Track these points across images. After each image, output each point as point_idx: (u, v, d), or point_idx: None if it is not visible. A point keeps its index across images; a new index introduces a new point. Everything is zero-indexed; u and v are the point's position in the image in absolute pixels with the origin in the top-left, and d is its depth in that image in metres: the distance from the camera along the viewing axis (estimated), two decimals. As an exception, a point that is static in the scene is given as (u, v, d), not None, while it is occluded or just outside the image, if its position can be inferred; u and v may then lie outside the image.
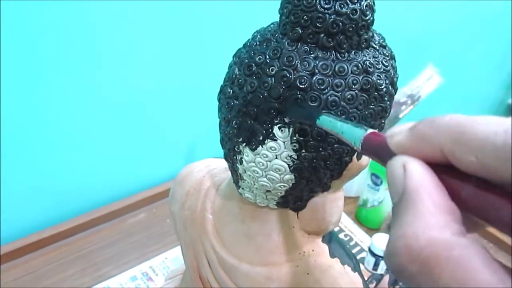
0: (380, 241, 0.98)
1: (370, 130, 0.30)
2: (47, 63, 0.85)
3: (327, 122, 0.37)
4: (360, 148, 0.31)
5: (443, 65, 1.23)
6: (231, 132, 0.44)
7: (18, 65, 0.82)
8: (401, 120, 1.19)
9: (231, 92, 0.43)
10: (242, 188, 0.48)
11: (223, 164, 0.59)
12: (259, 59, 0.41)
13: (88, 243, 0.98)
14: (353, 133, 0.32)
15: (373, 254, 0.96)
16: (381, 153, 0.28)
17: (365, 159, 0.46)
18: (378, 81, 0.41)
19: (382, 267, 0.94)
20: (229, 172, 0.55)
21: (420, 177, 0.23)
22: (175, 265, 0.93)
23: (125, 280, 0.90)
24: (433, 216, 0.21)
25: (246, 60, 0.42)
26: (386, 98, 0.42)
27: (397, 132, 0.26)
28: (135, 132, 1.05)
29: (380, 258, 0.95)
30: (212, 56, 1.03)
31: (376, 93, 0.41)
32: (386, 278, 0.64)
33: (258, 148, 0.42)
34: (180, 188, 0.60)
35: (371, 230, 1.12)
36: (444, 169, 0.23)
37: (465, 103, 2.00)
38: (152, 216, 1.06)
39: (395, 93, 0.45)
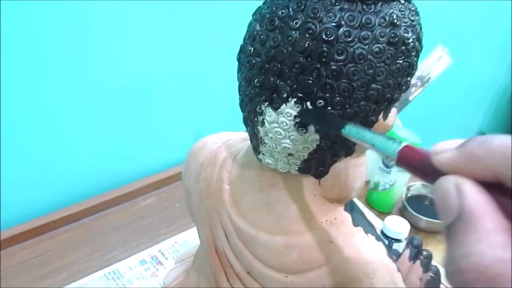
0: (392, 224, 0.96)
1: (404, 143, 0.30)
2: (48, 47, 0.83)
3: (354, 132, 0.36)
4: (396, 160, 0.30)
5: (452, 47, 1.21)
6: (252, 91, 0.42)
7: (18, 51, 0.80)
8: (412, 102, 1.17)
9: (252, 50, 0.41)
10: (263, 154, 0.46)
11: (238, 135, 0.58)
12: (282, 12, 0.39)
13: (97, 226, 0.96)
14: (386, 145, 0.32)
15: (386, 236, 0.95)
16: (422, 168, 0.28)
17: (391, 119, 0.44)
18: (405, 34, 0.39)
19: (397, 249, 0.92)
20: (246, 143, 0.53)
21: (476, 198, 0.24)
22: (185, 248, 0.91)
23: (134, 263, 0.88)
24: (495, 235, 0.22)
25: (268, 15, 0.40)
26: (413, 54, 0.41)
27: (443, 150, 0.26)
28: (144, 116, 1.04)
29: (394, 241, 0.94)
30: (220, 36, 1.02)
31: (403, 47, 0.39)
32: (406, 253, 0.63)
33: (281, 107, 0.40)
34: (194, 161, 0.58)
35: (382, 214, 1.10)
36: (493, 187, 0.24)
37: (471, 87, 1.98)
38: (161, 200, 1.04)
39: (421, 50, 0.43)
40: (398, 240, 0.95)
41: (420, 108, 1.38)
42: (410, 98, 1.18)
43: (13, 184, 0.92)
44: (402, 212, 1.09)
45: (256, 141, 0.46)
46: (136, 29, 0.92)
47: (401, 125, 1.17)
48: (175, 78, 1.04)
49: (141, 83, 0.99)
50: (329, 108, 0.39)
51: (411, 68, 0.41)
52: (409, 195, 1.11)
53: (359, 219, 0.50)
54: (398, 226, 0.96)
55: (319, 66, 0.38)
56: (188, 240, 0.94)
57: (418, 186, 1.12)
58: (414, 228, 1.04)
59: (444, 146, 0.26)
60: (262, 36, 0.40)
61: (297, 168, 0.45)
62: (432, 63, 1.19)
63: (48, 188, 0.97)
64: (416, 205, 1.07)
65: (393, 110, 0.44)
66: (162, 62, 1.00)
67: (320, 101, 0.39)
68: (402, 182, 1.07)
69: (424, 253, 0.63)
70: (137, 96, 1.00)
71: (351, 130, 0.37)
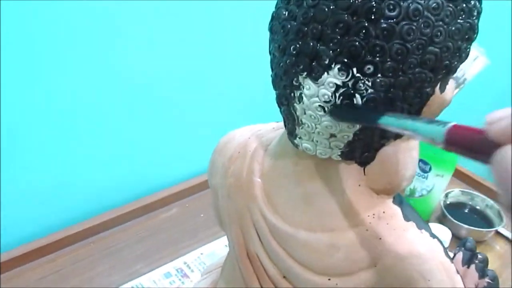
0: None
1: (452, 123, 0.26)
2: (58, 52, 0.80)
3: (393, 120, 0.32)
4: (444, 142, 0.27)
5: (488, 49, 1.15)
6: (287, 61, 0.37)
7: (23, 56, 0.76)
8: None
9: (286, 14, 0.36)
10: (300, 137, 0.41)
11: (269, 125, 0.52)
12: None
13: (118, 239, 0.92)
14: (430, 129, 0.28)
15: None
16: (475, 146, 0.24)
17: (449, 92, 0.38)
18: None
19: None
20: (278, 132, 0.48)
21: None
22: (212, 260, 0.86)
23: (158, 277, 0.83)
24: None
25: None
26: (474, 14, 0.35)
27: (499, 118, 0.23)
28: (166, 125, 1.00)
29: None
30: (251, 39, 0.97)
31: (464, 4, 0.34)
32: (459, 257, 0.56)
33: (322, 76, 0.35)
34: (221, 157, 0.53)
35: (420, 222, 1.03)
36: None
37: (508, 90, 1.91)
38: (185, 211, 1.00)
39: (481, 12, 0.37)
40: (440, 249, 0.88)
41: (455, 110, 1.31)
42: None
43: (30, 197, 0.88)
44: (441, 220, 1.02)
45: (292, 123, 0.41)
46: (153, 34, 0.89)
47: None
48: (199, 86, 1.00)
49: (163, 91, 0.95)
50: (379, 75, 0.33)
51: (472, 31, 0.36)
52: (447, 202, 1.04)
53: (410, 213, 0.44)
54: (439, 234, 0.89)
55: (367, 24, 0.32)
56: (214, 251, 0.88)
57: (457, 192, 1.06)
58: (454, 237, 0.97)
59: (499, 114, 0.23)
60: None
61: (339, 153, 0.40)
62: (467, 64, 1.13)
63: (66, 201, 0.93)
64: (455, 213, 1.00)
65: (451, 83, 0.38)
66: (186, 70, 0.96)
67: (369, 66, 0.33)
68: (440, 188, 1.00)
69: (479, 256, 0.56)
70: (159, 105, 0.96)
71: (389, 119, 0.32)
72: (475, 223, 0.97)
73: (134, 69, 0.89)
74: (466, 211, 1.05)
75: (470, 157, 0.25)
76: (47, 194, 0.90)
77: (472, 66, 1.19)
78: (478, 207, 1.04)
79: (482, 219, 1.02)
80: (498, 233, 0.99)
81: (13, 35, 0.73)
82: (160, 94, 0.95)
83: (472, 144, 0.25)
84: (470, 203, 1.05)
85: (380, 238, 0.41)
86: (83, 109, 0.87)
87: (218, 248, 0.89)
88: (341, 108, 0.36)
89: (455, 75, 1.11)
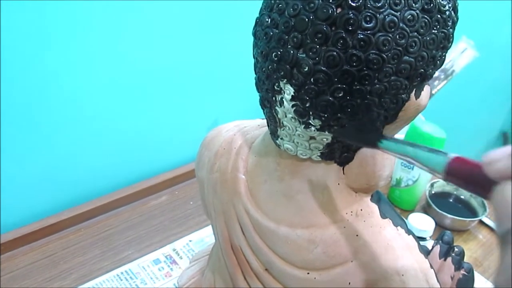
0: (416, 221, 0.92)
1: (452, 155, 0.28)
2: (52, 39, 0.80)
3: (392, 145, 0.34)
4: (444, 174, 0.29)
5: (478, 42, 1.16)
6: (269, 67, 0.38)
7: (22, 46, 0.77)
8: (434, 96, 1.12)
9: (269, 21, 0.38)
10: (281, 138, 0.42)
11: (254, 122, 0.54)
12: None
13: (108, 226, 0.93)
14: (432, 159, 0.30)
15: (410, 234, 0.90)
16: (474, 180, 0.26)
17: (424, 98, 0.40)
18: (441, 1, 0.35)
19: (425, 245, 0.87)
20: (263, 129, 0.50)
21: None
22: (200, 247, 0.88)
23: (147, 263, 0.85)
24: None
25: None
26: (449, 23, 0.37)
27: (496, 159, 0.25)
28: (157, 112, 1.00)
29: (418, 239, 0.89)
30: (235, 30, 0.98)
31: (439, 15, 0.35)
32: (437, 250, 0.58)
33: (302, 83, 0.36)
34: (208, 151, 0.54)
35: (405, 211, 1.05)
36: None
37: (497, 83, 1.92)
38: (175, 199, 1.01)
39: (457, 22, 0.39)
40: (423, 239, 0.91)
41: (443, 102, 1.33)
42: (433, 92, 1.13)
43: (22, 182, 0.89)
44: (426, 210, 1.05)
45: (274, 124, 0.42)
46: (149, 24, 0.89)
47: (423, 119, 1.13)
48: (189, 73, 1.00)
49: (154, 78, 0.96)
50: (356, 83, 0.35)
51: (447, 40, 0.37)
52: (432, 192, 1.06)
53: (387, 211, 0.45)
54: (423, 224, 0.92)
55: (344, 35, 0.34)
56: (203, 238, 0.90)
57: (442, 183, 1.07)
58: (439, 226, 0.99)
59: (496, 155, 0.25)
60: (280, 5, 0.36)
61: (319, 154, 0.41)
62: (456, 56, 1.14)
63: (58, 186, 0.94)
64: (440, 202, 1.02)
65: (426, 88, 0.40)
66: (177, 57, 0.97)
67: (346, 75, 0.35)
68: (426, 179, 1.02)
69: (456, 249, 0.58)
70: (151, 92, 0.97)
71: (389, 144, 0.35)
72: (459, 213, 1.00)
73: (125, 57, 0.90)
74: (451, 200, 1.07)
75: (468, 190, 0.27)
76: (39, 180, 0.91)
77: (461, 58, 1.20)
78: (462, 197, 1.06)
79: (466, 209, 1.04)
80: (481, 222, 1.02)
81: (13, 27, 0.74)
82: (152, 82, 0.96)
83: (471, 178, 0.26)
84: (455, 192, 1.07)
85: (357, 235, 0.43)
86: (76, 96, 0.87)
87: (207, 236, 0.90)
88: (345, 132, 0.38)
89: (443, 67, 1.12)
